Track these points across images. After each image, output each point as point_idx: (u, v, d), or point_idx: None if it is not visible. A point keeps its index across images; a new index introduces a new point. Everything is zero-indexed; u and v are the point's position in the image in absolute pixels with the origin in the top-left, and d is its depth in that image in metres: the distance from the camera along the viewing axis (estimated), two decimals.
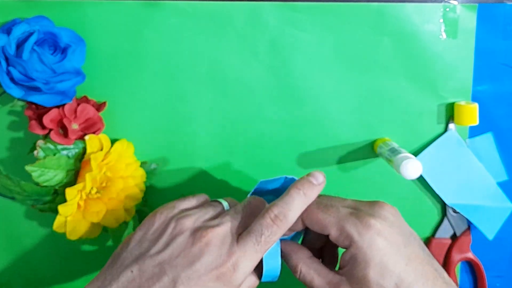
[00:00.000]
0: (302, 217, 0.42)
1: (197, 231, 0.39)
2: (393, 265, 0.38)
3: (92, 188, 0.50)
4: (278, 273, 0.41)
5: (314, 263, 0.42)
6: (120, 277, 0.38)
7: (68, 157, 0.50)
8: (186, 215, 0.41)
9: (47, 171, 0.48)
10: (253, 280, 0.41)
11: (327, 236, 0.41)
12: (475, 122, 0.51)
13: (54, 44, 0.49)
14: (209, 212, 0.42)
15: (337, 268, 0.42)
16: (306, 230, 0.46)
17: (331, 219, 0.40)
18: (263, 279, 0.41)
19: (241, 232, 0.40)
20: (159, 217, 0.41)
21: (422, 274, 0.39)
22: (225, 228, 0.39)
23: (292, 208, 0.40)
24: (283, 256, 0.42)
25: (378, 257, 0.38)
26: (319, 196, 0.42)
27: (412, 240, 0.40)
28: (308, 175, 0.42)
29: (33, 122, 0.50)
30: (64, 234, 0.50)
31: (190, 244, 0.39)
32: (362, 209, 0.41)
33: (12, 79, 0.48)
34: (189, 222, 0.40)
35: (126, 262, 0.39)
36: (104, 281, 0.38)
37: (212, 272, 0.37)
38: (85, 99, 0.52)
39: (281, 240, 0.43)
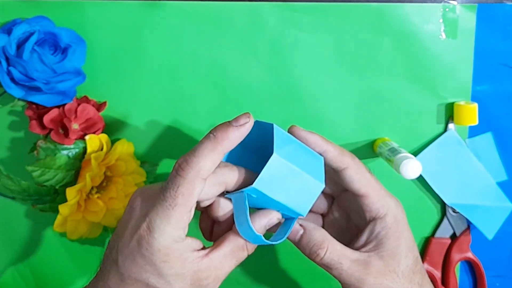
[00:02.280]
0: (349, 173, 0.40)
1: (131, 196, 0.38)
2: (414, 242, 0.42)
3: (92, 188, 0.50)
4: (252, 232, 0.36)
5: (338, 242, 0.40)
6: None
7: (69, 157, 0.50)
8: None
9: (47, 171, 0.48)
10: (197, 243, 0.37)
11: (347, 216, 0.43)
12: (475, 122, 0.51)
13: (55, 44, 0.49)
14: None
15: None
16: (327, 213, 0.45)
17: (376, 184, 0.41)
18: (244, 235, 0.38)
19: None
20: None
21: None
22: (149, 191, 0.37)
23: (197, 154, 0.36)
24: (300, 236, 0.40)
25: (407, 232, 0.41)
26: None
27: None
28: None
29: (34, 122, 0.50)
30: (64, 234, 0.50)
31: (125, 210, 0.38)
32: None
33: (12, 79, 0.48)
34: (136, 191, 0.38)
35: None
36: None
37: (135, 237, 0.35)
38: (85, 99, 0.52)
39: (299, 217, 0.40)
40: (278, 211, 0.39)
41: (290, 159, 0.37)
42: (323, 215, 0.46)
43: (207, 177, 0.36)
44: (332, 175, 0.42)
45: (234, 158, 0.42)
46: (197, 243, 0.37)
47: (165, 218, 0.35)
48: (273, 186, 0.37)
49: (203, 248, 0.37)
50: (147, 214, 0.35)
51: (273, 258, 0.56)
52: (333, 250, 0.39)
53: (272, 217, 0.39)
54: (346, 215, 0.45)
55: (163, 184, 0.37)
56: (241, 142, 0.38)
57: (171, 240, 0.35)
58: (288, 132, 0.41)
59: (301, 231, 0.40)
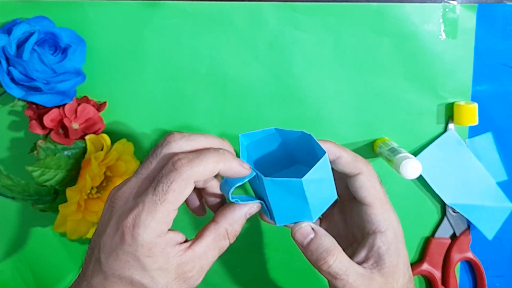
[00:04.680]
0: (361, 179, 0.40)
1: (108, 195, 0.38)
2: (408, 260, 0.42)
3: (92, 188, 0.50)
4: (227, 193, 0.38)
5: (345, 254, 0.39)
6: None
7: (69, 157, 0.50)
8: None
9: (47, 171, 0.49)
10: (179, 236, 0.37)
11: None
12: (475, 122, 0.51)
13: (55, 44, 0.49)
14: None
15: None
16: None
17: (383, 197, 0.41)
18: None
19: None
20: None
21: None
22: (130, 184, 0.37)
23: (202, 158, 0.36)
24: (311, 240, 0.39)
25: (404, 249, 0.41)
26: None
27: None
28: None
29: (34, 122, 0.50)
30: (64, 234, 0.50)
31: (104, 210, 0.38)
32: None
33: (12, 79, 0.48)
34: (113, 189, 0.38)
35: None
36: None
37: (117, 233, 0.35)
38: (85, 99, 0.52)
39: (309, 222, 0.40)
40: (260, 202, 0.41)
41: (308, 192, 0.37)
42: (322, 216, 0.46)
43: (195, 185, 0.36)
44: (343, 179, 0.42)
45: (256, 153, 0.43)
46: (179, 236, 0.37)
47: (151, 213, 0.35)
48: (276, 192, 0.38)
49: (186, 240, 0.38)
50: (131, 210, 0.35)
51: (273, 257, 0.56)
52: (342, 260, 0.38)
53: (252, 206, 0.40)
54: (345, 221, 0.45)
55: (146, 179, 0.36)
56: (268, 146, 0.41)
57: (155, 235, 0.35)
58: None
59: (312, 235, 0.39)
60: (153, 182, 0.36)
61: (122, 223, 0.35)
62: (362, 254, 0.40)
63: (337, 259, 0.38)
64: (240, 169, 0.37)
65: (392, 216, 0.41)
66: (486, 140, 0.53)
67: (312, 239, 0.39)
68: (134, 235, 0.35)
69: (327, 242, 0.39)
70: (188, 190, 0.36)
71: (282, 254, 0.56)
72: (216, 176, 0.38)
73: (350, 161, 0.40)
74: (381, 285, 0.39)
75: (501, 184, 0.54)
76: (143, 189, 0.36)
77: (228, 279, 0.56)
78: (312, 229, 0.39)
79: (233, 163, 0.37)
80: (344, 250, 0.40)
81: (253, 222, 0.55)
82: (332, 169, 0.40)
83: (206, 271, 0.38)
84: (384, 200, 0.41)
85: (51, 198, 0.51)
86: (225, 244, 0.39)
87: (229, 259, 0.55)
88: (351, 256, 0.40)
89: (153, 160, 0.37)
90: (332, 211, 0.45)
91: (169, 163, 0.36)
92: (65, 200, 0.48)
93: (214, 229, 0.38)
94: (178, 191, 0.35)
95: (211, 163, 0.36)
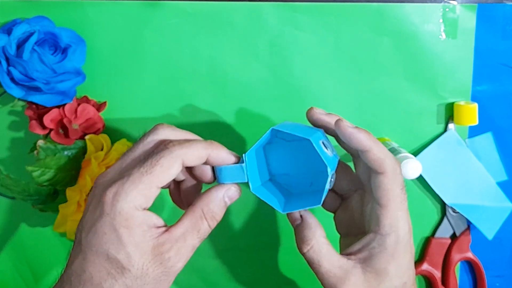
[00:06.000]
0: (381, 179, 0.39)
1: (93, 183, 0.39)
2: (408, 268, 0.40)
3: None
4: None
5: (327, 244, 0.40)
6: None
7: (69, 157, 0.50)
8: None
9: (47, 171, 0.49)
10: (159, 220, 0.37)
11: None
12: (475, 122, 0.51)
13: (55, 44, 0.49)
14: None
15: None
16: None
17: (400, 203, 0.40)
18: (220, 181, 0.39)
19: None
20: None
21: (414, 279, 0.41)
22: (115, 167, 0.38)
23: (192, 143, 0.37)
24: (296, 225, 0.41)
25: (402, 257, 0.40)
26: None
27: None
28: None
29: (34, 122, 0.50)
30: (64, 234, 0.50)
31: (89, 197, 0.38)
32: None
33: (12, 79, 0.48)
34: (98, 177, 0.39)
35: None
36: None
37: (98, 207, 0.35)
38: (85, 99, 0.52)
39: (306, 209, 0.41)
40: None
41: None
42: (342, 198, 0.46)
43: (183, 168, 0.37)
44: (369, 171, 0.41)
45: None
46: (158, 220, 0.37)
47: (134, 182, 0.35)
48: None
49: (165, 226, 0.38)
50: (114, 182, 0.36)
51: (275, 257, 0.56)
52: (316, 250, 0.39)
53: (230, 189, 0.40)
54: (361, 210, 0.43)
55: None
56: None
57: (133, 205, 0.35)
58: (335, 126, 0.41)
59: (298, 221, 0.41)
60: (142, 160, 0.36)
61: (103, 197, 0.35)
62: (356, 247, 0.40)
63: (311, 248, 0.39)
64: (230, 157, 0.39)
65: (401, 223, 0.40)
66: (486, 140, 0.53)
67: (297, 224, 0.41)
68: (113, 203, 0.35)
69: (306, 232, 0.40)
70: (176, 168, 0.36)
71: (283, 254, 0.56)
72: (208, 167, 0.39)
73: (376, 158, 0.39)
74: (359, 282, 0.39)
75: (501, 184, 0.54)
76: (128, 168, 0.37)
77: (229, 279, 0.56)
78: (301, 216, 0.41)
79: (222, 151, 0.38)
80: (353, 236, 0.41)
81: (254, 222, 0.55)
82: (359, 157, 0.40)
83: (187, 257, 0.37)
84: (399, 206, 0.40)
85: (51, 198, 0.51)
86: (204, 226, 0.38)
87: (230, 259, 0.56)
88: (349, 244, 0.41)
89: (140, 145, 0.38)
90: (353, 197, 0.44)
91: (162, 145, 0.37)
92: (65, 200, 0.48)
93: (191, 211, 0.38)
94: (165, 166, 0.36)
95: (200, 148, 0.37)
